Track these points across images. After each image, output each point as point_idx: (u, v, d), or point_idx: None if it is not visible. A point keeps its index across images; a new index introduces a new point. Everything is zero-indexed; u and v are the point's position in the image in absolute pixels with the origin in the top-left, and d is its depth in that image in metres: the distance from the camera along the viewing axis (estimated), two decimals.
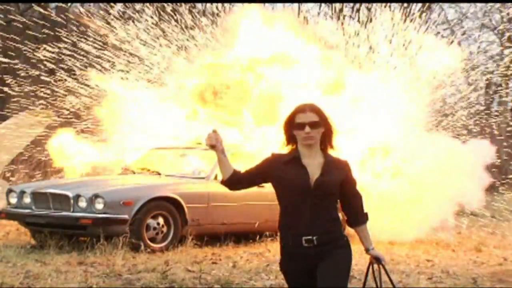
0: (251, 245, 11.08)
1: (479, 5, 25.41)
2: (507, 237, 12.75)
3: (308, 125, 4.42)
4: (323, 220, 4.40)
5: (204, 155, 11.89)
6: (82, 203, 10.35)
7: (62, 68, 15.47)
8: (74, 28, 16.00)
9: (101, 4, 17.84)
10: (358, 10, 21.32)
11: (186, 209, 10.77)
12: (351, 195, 4.55)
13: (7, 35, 17.08)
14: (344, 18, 16.83)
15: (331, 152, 4.55)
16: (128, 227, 10.17)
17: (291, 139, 4.53)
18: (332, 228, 4.43)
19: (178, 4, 14.97)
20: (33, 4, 20.66)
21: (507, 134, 21.40)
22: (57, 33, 16.16)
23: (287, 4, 20.30)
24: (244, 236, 11.49)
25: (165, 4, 14.84)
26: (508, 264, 10.29)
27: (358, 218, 4.58)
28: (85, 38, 14.98)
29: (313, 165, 4.44)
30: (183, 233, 10.70)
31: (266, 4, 19.23)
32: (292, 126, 4.47)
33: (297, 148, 4.50)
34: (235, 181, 4.52)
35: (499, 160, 15.42)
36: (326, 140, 4.51)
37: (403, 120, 13.11)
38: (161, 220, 10.58)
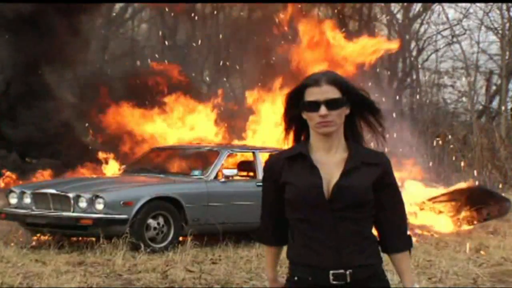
0: (251, 245, 11.06)
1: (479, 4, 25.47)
2: (507, 237, 12.73)
3: (325, 104, 2.93)
4: (357, 245, 2.98)
5: (204, 155, 11.89)
6: (82, 203, 10.35)
7: None
8: None
9: None
10: None
11: (186, 209, 10.77)
12: (388, 205, 3.06)
13: None
14: None
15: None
16: (128, 227, 10.17)
17: (293, 125, 3.09)
18: (371, 259, 3.04)
19: None
20: None
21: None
22: None
23: None
24: (244, 236, 11.48)
25: None
26: (508, 264, 10.28)
27: (397, 240, 3.11)
28: None
29: (330, 164, 2.99)
30: (183, 233, 10.70)
31: None
32: (299, 106, 3.01)
33: (308, 140, 3.06)
34: (283, 234, 3.11)
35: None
36: (357, 125, 3.07)
37: None
38: (161, 220, 10.58)
